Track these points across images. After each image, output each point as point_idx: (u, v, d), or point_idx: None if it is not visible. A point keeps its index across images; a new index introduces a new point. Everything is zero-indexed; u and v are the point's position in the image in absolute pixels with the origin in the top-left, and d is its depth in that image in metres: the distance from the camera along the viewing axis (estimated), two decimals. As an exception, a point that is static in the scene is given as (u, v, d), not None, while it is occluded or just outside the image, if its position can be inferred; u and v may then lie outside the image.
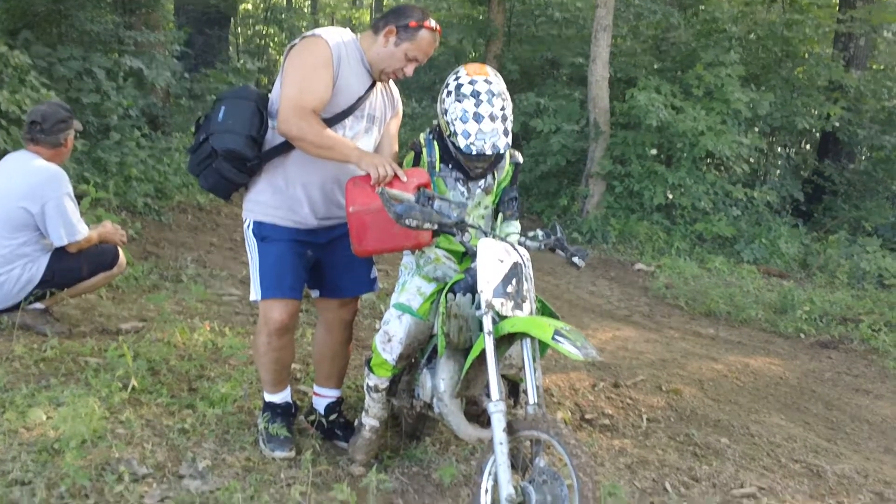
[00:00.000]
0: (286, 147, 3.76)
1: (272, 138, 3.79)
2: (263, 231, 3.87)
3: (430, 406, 3.80)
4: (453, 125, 3.70)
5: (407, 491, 3.89)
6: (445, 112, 3.75)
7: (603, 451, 4.62)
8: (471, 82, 3.71)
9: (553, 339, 3.11)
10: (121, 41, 10.58)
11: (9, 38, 8.54)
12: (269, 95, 3.87)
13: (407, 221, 3.35)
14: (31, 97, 7.39)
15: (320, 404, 4.32)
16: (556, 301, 8.52)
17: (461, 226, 3.52)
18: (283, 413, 4.09)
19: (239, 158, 3.73)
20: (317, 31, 3.74)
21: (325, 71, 3.63)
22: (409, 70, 3.81)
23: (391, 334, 3.81)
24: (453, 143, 3.75)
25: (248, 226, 3.91)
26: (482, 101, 3.66)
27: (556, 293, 9.35)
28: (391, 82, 4.03)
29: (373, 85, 3.87)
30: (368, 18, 30.18)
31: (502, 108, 3.70)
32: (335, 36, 3.73)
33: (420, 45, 3.75)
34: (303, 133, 3.58)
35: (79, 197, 5.65)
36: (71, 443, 3.64)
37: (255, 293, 3.89)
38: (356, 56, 3.78)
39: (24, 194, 4.91)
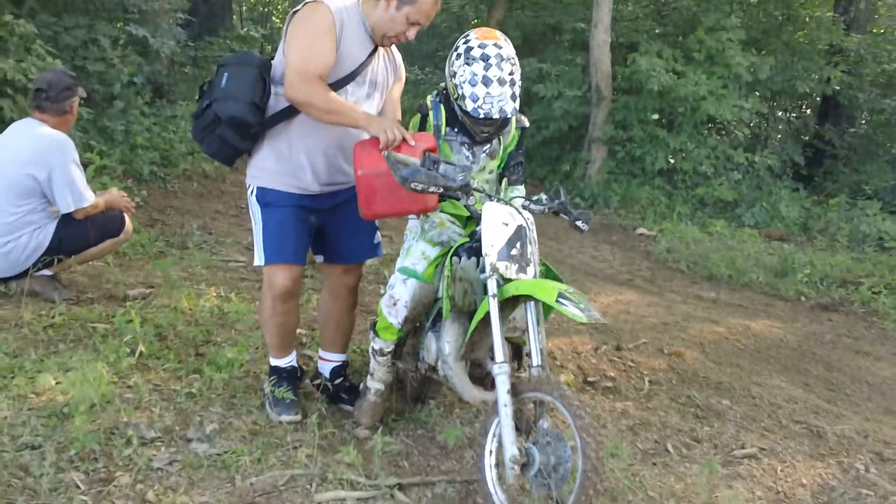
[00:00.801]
0: (289, 113, 3.76)
1: (275, 104, 3.79)
2: (267, 197, 3.88)
3: (434, 369, 3.84)
4: (461, 88, 3.69)
5: (412, 453, 3.94)
6: (454, 75, 3.74)
7: (605, 413, 4.67)
8: (480, 45, 3.69)
9: (557, 301, 3.14)
10: (125, 9, 10.48)
11: (14, 8, 8.49)
12: (272, 62, 3.87)
13: (412, 185, 3.37)
14: (36, 66, 7.36)
15: (326, 368, 4.35)
16: (558, 265, 8.52)
17: (466, 189, 3.54)
18: (289, 377, 4.12)
19: (242, 125, 3.73)
20: None
21: (328, 37, 3.63)
22: (412, 34, 3.79)
23: (396, 298, 3.84)
24: (461, 107, 3.74)
25: (252, 192, 3.92)
26: (491, 65, 3.65)
27: (559, 258, 9.38)
28: (393, 47, 4.03)
29: (374, 50, 3.86)
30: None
31: (511, 73, 3.69)
32: (337, 1, 3.71)
33: (422, 9, 3.72)
34: (310, 98, 3.59)
35: (85, 165, 5.65)
36: (80, 407, 3.68)
37: (258, 258, 3.91)
38: (358, 21, 3.77)
39: (30, 161, 4.92)
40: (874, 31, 16.67)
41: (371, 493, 3.48)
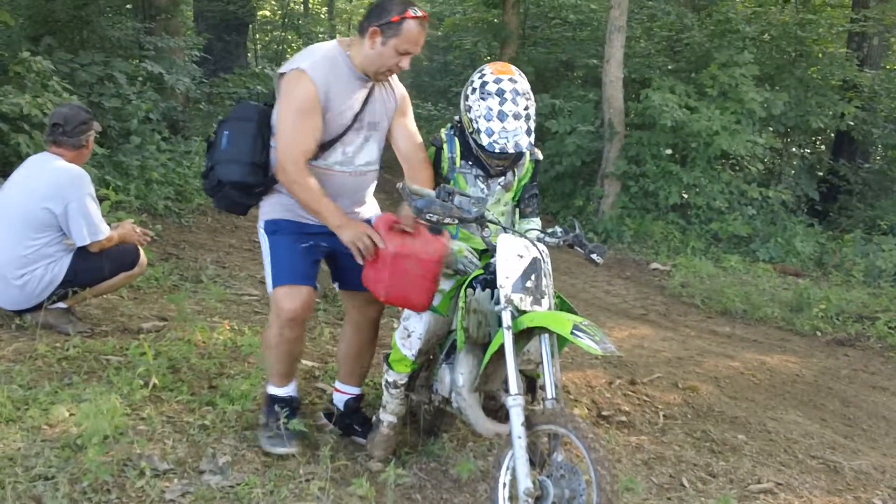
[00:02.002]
0: None
1: (276, 158, 3.79)
2: (274, 226, 3.91)
3: (448, 401, 3.83)
4: (477, 122, 3.71)
5: (425, 486, 3.92)
6: (469, 109, 3.76)
7: (620, 447, 4.64)
8: (496, 80, 3.72)
9: (572, 333, 3.14)
10: (141, 47, 10.70)
11: (31, 45, 8.65)
12: (271, 110, 3.90)
13: (427, 216, 3.39)
14: (53, 102, 7.47)
15: (340, 400, 4.33)
16: (572, 300, 8.38)
17: (481, 221, 3.55)
18: (287, 407, 4.00)
19: (245, 186, 3.82)
20: (301, 62, 3.72)
21: (311, 116, 3.67)
22: (405, 63, 3.74)
23: (410, 330, 3.85)
24: (475, 141, 3.77)
25: (261, 226, 3.97)
26: (506, 100, 3.67)
27: (573, 292, 9.36)
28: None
29: (370, 91, 3.87)
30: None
31: (526, 108, 3.71)
32: (319, 63, 3.72)
33: (408, 38, 3.65)
34: (292, 187, 3.70)
35: (101, 200, 5.69)
36: (93, 439, 3.67)
37: (268, 285, 3.91)
38: (346, 73, 3.77)
39: (47, 195, 4.96)
40: (888, 66, 16.68)
41: (384, 527, 3.47)
